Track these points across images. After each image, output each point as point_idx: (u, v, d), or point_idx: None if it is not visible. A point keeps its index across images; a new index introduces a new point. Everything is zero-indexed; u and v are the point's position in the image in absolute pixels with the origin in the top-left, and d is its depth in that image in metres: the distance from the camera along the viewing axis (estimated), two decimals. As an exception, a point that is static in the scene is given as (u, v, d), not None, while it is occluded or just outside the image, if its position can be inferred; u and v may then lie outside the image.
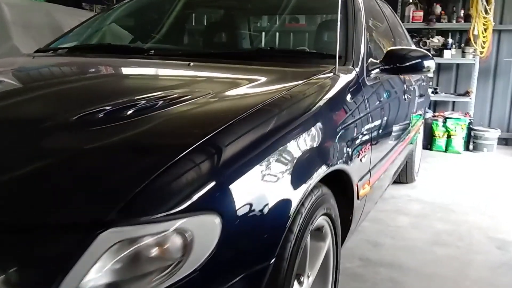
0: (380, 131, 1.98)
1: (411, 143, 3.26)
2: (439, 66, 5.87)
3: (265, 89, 1.52)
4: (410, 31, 5.58)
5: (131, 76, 1.72)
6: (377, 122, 1.93)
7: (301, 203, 1.21)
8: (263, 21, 2.42)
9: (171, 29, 2.35)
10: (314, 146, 1.29)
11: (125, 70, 1.80)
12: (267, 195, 1.05)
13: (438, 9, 5.60)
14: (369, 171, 1.83)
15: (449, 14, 5.61)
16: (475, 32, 5.31)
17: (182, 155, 0.94)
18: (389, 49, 2.04)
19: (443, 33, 5.75)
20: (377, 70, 1.99)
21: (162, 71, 1.83)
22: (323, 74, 1.65)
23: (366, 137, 1.73)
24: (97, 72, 1.76)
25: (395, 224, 2.94)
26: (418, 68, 2.03)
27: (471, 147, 5.45)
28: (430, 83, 5.81)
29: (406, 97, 2.60)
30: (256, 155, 1.07)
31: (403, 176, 3.82)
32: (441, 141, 5.40)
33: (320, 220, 1.41)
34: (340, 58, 1.87)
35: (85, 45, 2.19)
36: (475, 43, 5.37)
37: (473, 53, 5.47)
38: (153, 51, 1.96)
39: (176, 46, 2.25)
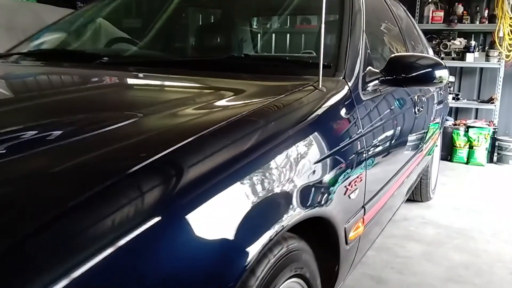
0: (380, 155, 1.64)
1: (428, 154, 2.90)
2: (461, 71, 5.51)
3: (210, 113, 1.16)
4: (429, 32, 5.31)
5: (66, 90, 1.41)
6: (376, 145, 1.58)
7: (257, 261, 0.90)
8: (243, 24, 2.09)
9: (140, 33, 2.05)
10: (274, 188, 0.96)
11: (60, 82, 1.49)
12: (200, 254, 0.75)
13: (460, 9, 5.21)
14: (363, 207, 1.49)
15: (472, 14, 5.21)
16: (501, 34, 4.92)
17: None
18: (392, 56, 1.69)
19: (465, 35, 5.37)
20: (376, 82, 1.64)
21: (101, 84, 1.51)
22: (300, 89, 1.31)
23: (358, 166, 1.39)
24: (27, 85, 1.46)
25: (404, 254, 2.58)
26: (427, 79, 1.68)
27: (495, 159, 5.04)
28: (451, 89, 5.42)
29: (417, 109, 2.24)
30: (192, 198, 0.77)
31: (417, 194, 3.44)
32: (462, 152, 4.99)
33: (289, 285, 1.08)
34: (329, 68, 1.54)
35: (36, 51, 1.90)
36: (501, 45, 4.97)
37: (498, 57, 5.07)
38: (106, 59, 1.65)
39: (135, 52, 1.93)
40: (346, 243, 1.36)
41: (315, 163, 1.14)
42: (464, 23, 5.16)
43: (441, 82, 1.70)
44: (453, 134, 5.05)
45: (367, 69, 1.64)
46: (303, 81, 1.40)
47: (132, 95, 1.36)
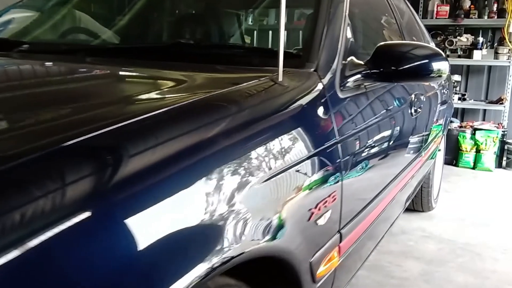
0: (364, 165, 1.33)
1: (430, 159, 2.61)
2: (468, 69, 5.18)
3: (143, 103, 0.90)
4: (434, 28, 5.00)
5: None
6: (357, 154, 1.28)
7: None
8: (198, 4, 1.77)
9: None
10: (198, 216, 0.67)
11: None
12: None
13: (467, 3, 4.89)
14: (339, 231, 1.18)
15: (480, 8, 4.89)
16: (511, 30, 4.60)
17: None
18: (379, 44, 1.38)
19: (472, 30, 5.04)
20: (359, 76, 1.34)
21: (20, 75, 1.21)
22: (251, 83, 1.01)
23: (330, 182, 1.08)
24: None
25: (400, 275, 2.26)
26: (422, 73, 1.37)
27: (504, 163, 4.70)
28: (457, 88, 5.10)
29: (414, 110, 1.93)
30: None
31: (418, 203, 3.13)
32: (468, 156, 4.66)
33: None
34: (299, 58, 1.24)
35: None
36: (511, 42, 4.65)
37: (508, 54, 4.74)
38: (27, 46, 1.36)
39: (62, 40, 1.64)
40: (314, 281, 1.06)
41: (262, 182, 0.83)
42: (471, 18, 4.85)
43: (439, 76, 1.40)
44: (458, 137, 4.72)
45: (349, 60, 1.34)
46: (261, 73, 1.09)
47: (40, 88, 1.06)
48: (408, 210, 3.04)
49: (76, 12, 1.83)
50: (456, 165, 4.70)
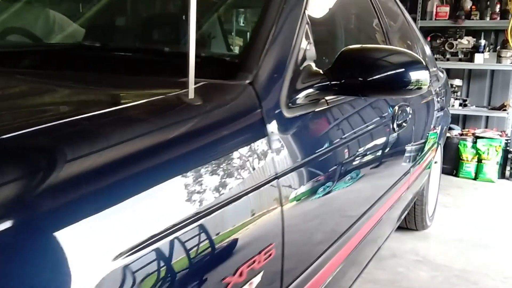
0: (315, 202, 1.06)
1: (424, 170, 2.34)
2: (469, 73, 4.94)
3: None
4: (433, 30, 4.82)
5: None
6: (313, 186, 1.01)
7: None
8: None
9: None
10: None
11: None
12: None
13: (468, 3, 4.65)
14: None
15: (482, 9, 4.64)
16: (515, 32, 4.33)
17: None
18: (343, 49, 1.11)
19: (474, 33, 4.81)
20: (313, 89, 1.07)
21: None
22: (144, 103, 0.74)
23: (261, 238, 0.81)
24: None
25: (385, 311, 1.99)
26: (398, 85, 1.11)
27: (507, 174, 4.42)
28: (458, 94, 4.84)
29: (397, 124, 1.65)
30: None
31: (411, 221, 2.85)
32: (469, 166, 4.38)
33: None
34: (230, 66, 0.98)
35: None
36: (515, 45, 4.37)
37: (511, 58, 4.49)
38: None
39: None
40: None
41: (141, 247, 0.57)
42: (473, 19, 4.62)
43: (418, 88, 1.13)
44: (459, 146, 4.45)
45: (303, 68, 1.07)
46: (173, 87, 0.83)
47: None
48: (401, 228, 2.78)
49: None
50: (456, 175, 4.43)
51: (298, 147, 0.98)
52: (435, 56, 4.56)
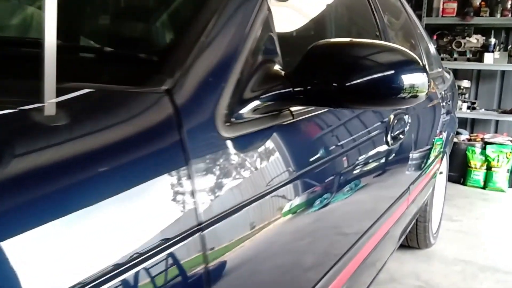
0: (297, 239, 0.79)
1: (431, 180, 2.08)
2: (478, 74, 4.72)
3: None
4: (440, 28, 4.60)
5: None
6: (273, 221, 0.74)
7: None
8: None
9: None
10: None
11: None
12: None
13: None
14: None
15: (492, 6, 4.42)
16: (527, 30, 4.12)
17: None
18: (313, 44, 0.83)
19: (483, 30, 4.61)
20: (267, 98, 0.79)
21: None
22: None
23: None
24: None
25: None
26: (386, 92, 0.83)
27: (519, 183, 4.16)
28: (466, 96, 4.60)
29: (392, 136, 1.38)
30: None
31: (413, 239, 2.57)
32: (478, 174, 4.12)
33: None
34: (151, 65, 0.70)
35: None
36: (527, 44, 4.15)
37: (524, 58, 4.31)
38: None
39: None
40: None
41: None
42: (482, 16, 4.42)
43: (414, 97, 0.85)
44: (467, 152, 4.20)
45: (257, 69, 0.79)
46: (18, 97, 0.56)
47: None
48: (403, 246, 2.50)
49: None
50: (464, 183, 4.17)
51: (240, 179, 0.70)
52: (442, 55, 4.39)
